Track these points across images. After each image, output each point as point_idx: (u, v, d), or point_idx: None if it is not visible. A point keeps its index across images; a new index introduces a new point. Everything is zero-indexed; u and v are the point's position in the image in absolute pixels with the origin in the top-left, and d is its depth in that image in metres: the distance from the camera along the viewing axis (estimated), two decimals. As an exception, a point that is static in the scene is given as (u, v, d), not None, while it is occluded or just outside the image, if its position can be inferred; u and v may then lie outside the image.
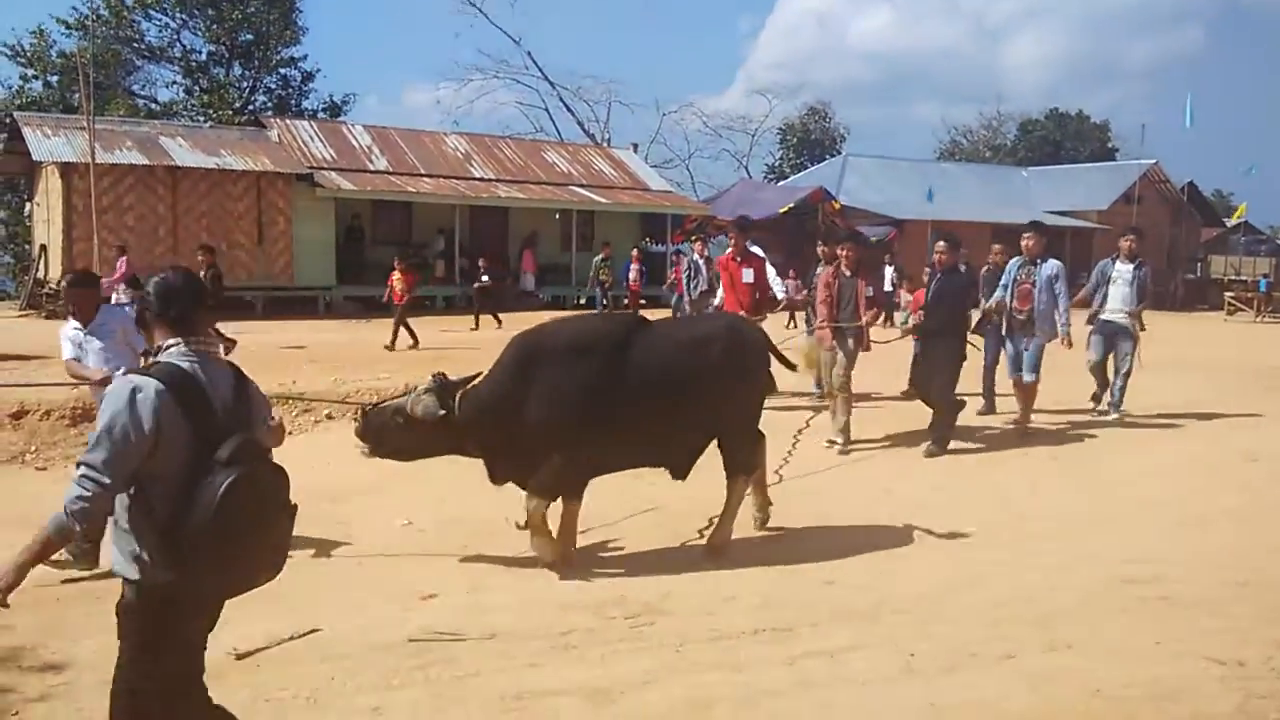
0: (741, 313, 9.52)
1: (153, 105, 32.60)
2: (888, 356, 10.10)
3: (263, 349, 13.17)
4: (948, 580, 5.73)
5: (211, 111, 30.35)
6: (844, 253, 9.09)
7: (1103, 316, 10.01)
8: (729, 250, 10.14)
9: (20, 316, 20.76)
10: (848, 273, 8.97)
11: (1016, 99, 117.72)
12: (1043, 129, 49.42)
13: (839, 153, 41.34)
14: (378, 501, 7.44)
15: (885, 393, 11.12)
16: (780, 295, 11.40)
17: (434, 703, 4.17)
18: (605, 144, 34.32)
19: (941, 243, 9.12)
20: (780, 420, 9.22)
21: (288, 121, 25.92)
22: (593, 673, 4.47)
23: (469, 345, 14.65)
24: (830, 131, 47.26)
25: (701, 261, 13.43)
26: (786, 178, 40.34)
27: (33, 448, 9.11)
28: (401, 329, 15.17)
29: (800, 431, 9.37)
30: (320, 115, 32.89)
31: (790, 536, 6.70)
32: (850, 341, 8.89)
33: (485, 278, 18.99)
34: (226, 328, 11.49)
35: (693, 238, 16.72)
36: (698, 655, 4.67)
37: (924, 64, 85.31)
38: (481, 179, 25.23)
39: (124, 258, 19.67)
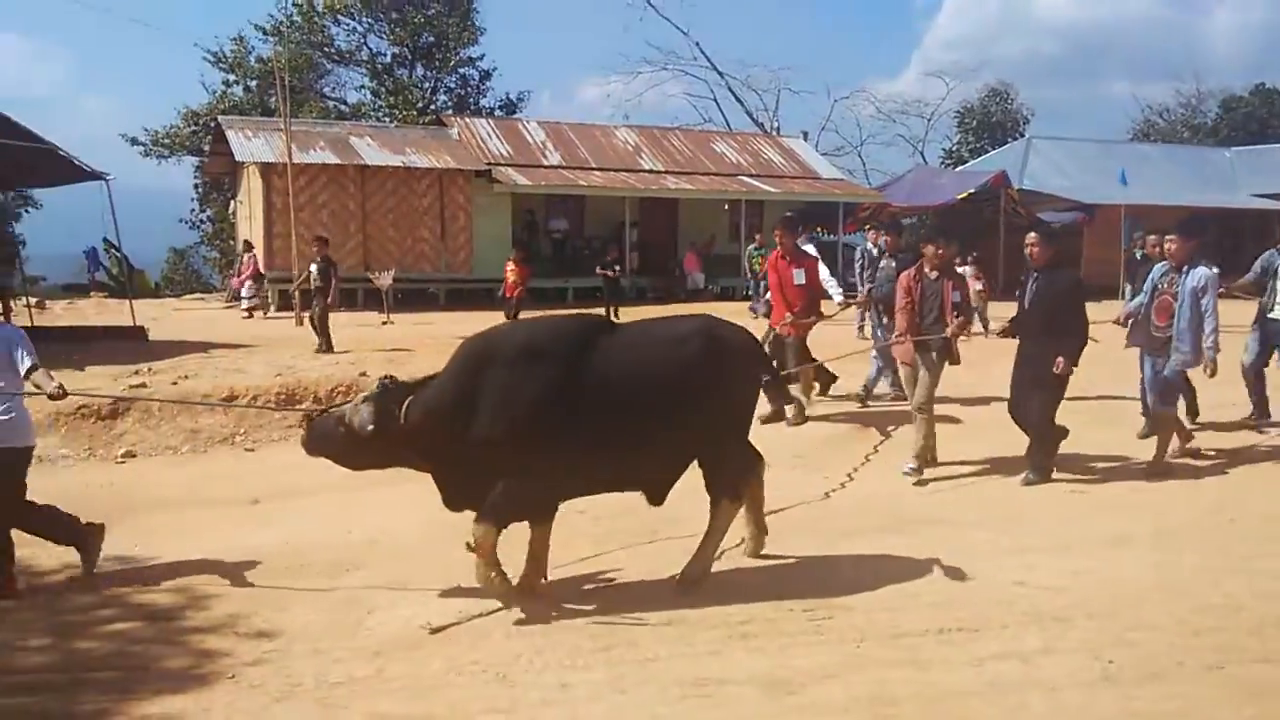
0: (789, 316, 9.50)
1: (342, 107, 34.40)
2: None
3: (442, 338, 13.70)
4: (1146, 584, 5.42)
5: (396, 112, 31.78)
6: (930, 250, 8.06)
7: (1271, 315, 9.03)
8: (776, 249, 9.79)
9: (226, 308, 22.33)
10: (932, 275, 7.99)
11: (1217, 74, 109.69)
12: (1247, 106, 45.87)
13: (1022, 135, 39.57)
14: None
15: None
16: (837, 297, 10.98)
17: (616, 684, 4.26)
18: (774, 133, 33.97)
19: (1033, 235, 7.74)
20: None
21: (467, 120, 26.87)
22: (771, 663, 4.45)
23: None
24: (1012, 113, 45.27)
25: (875, 251, 13.14)
26: (965, 163, 38.95)
27: (242, 430, 9.80)
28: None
29: (877, 446, 9.04)
30: (497, 113, 33.91)
31: (968, 534, 6.49)
32: (934, 354, 7.89)
33: (616, 268, 19.06)
34: (409, 318, 12.00)
35: (866, 227, 16.40)
36: (879, 651, 4.59)
37: (1115, 38, 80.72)
38: (651, 171, 25.48)
39: (252, 253, 20.87)
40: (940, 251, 8.02)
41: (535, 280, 23.06)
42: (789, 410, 8.39)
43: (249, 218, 23.03)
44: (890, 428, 9.47)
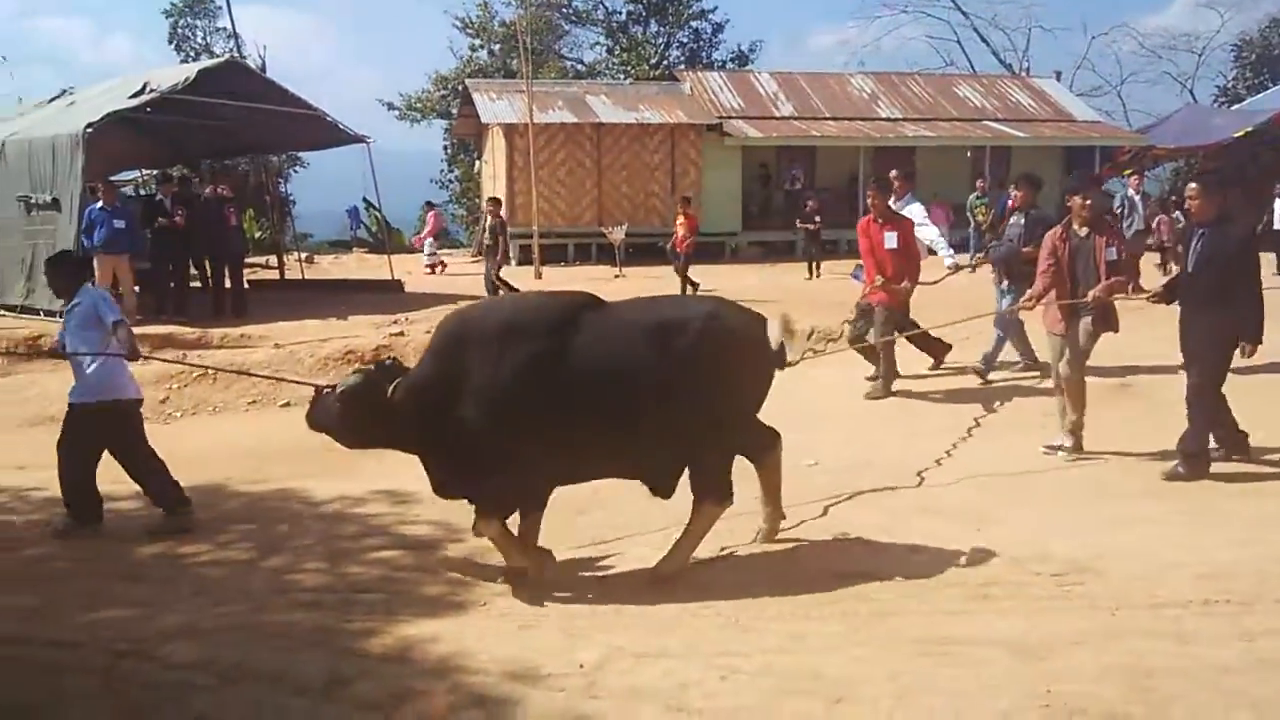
0: (879, 280, 8.77)
1: (579, 66, 35.20)
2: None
3: (670, 292, 13.84)
4: None
5: (630, 69, 32.21)
6: (1078, 202, 7.05)
7: None
8: (868, 214, 9.13)
9: (472, 261, 23.54)
10: (1082, 231, 7.02)
11: None
12: None
13: (1309, 69, 35.37)
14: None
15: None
16: (948, 260, 9.98)
17: (852, 636, 4.21)
18: (1024, 74, 31.97)
19: (1193, 185, 6.65)
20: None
21: (699, 74, 26.88)
22: (1016, 627, 4.26)
23: (796, 295, 14.23)
24: (1297, 45, 40.47)
25: (1137, 198, 12.18)
26: (1241, 100, 35.24)
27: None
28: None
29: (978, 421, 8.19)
30: (729, 65, 33.70)
31: (1240, 505, 5.94)
32: (1089, 321, 6.97)
33: (817, 219, 18.34)
34: (640, 271, 12.12)
35: (1126, 172, 15.18)
36: (1135, 621, 4.29)
37: None
38: (888, 119, 24.63)
39: (434, 212, 21.51)
40: (1087, 203, 7.01)
41: (767, 233, 23.08)
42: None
43: (493, 176, 24.09)
44: (1000, 402, 8.74)
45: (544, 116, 21.68)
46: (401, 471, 7.01)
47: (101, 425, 6.01)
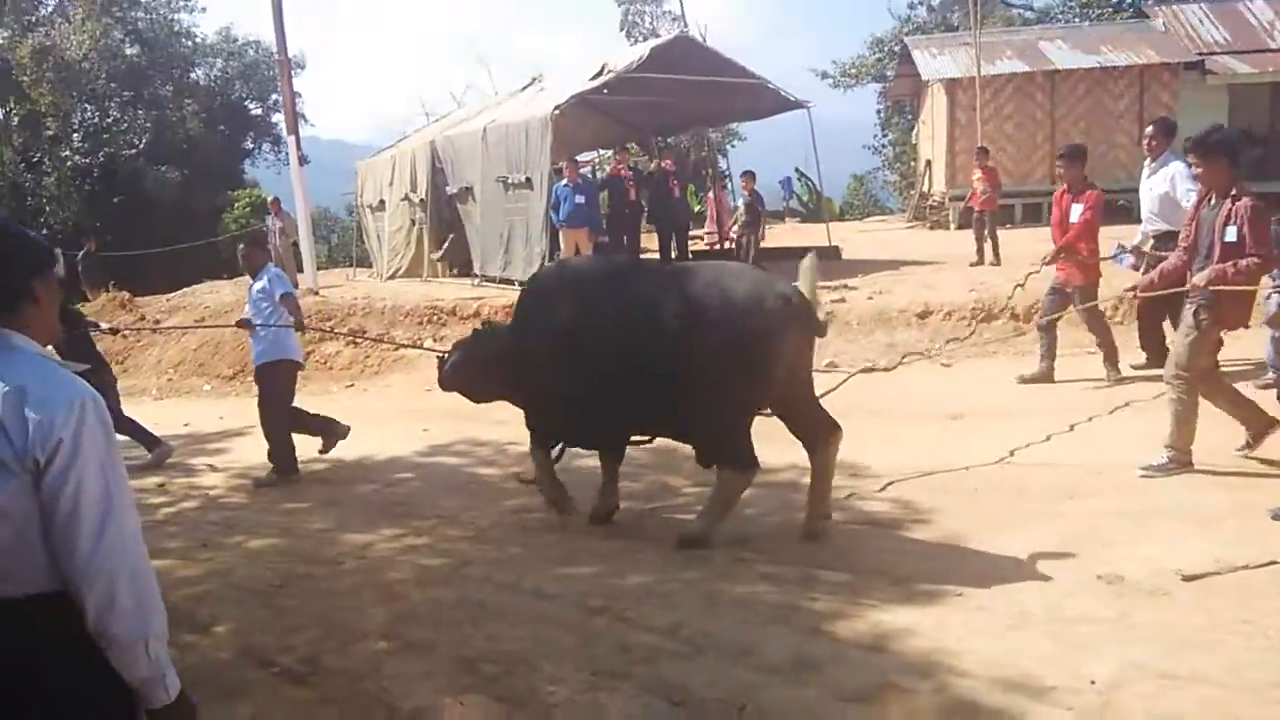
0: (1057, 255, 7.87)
1: (1027, 13, 32.62)
2: None
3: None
4: None
5: (1090, 10, 29.23)
6: (1192, 162, 5.68)
7: None
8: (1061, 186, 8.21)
9: (907, 228, 22.68)
10: (1212, 200, 5.51)
11: None
12: None
13: None
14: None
15: None
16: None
17: None
18: None
19: None
20: None
21: (1174, 7, 23.64)
22: None
23: None
24: None
25: None
26: None
27: (935, 345, 9.69)
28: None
29: None
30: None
31: None
32: (1190, 312, 5.51)
33: None
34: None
35: None
36: None
37: None
38: None
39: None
40: (1199, 165, 5.53)
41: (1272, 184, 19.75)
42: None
43: (930, 138, 22.97)
44: None
45: (991, 68, 20.18)
46: (854, 444, 6.71)
47: (275, 378, 7.26)
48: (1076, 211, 7.91)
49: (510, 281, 13.19)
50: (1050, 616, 3.99)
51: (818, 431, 5.11)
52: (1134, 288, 6.42)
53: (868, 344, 9.96)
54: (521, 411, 5.66)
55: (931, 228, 20.84)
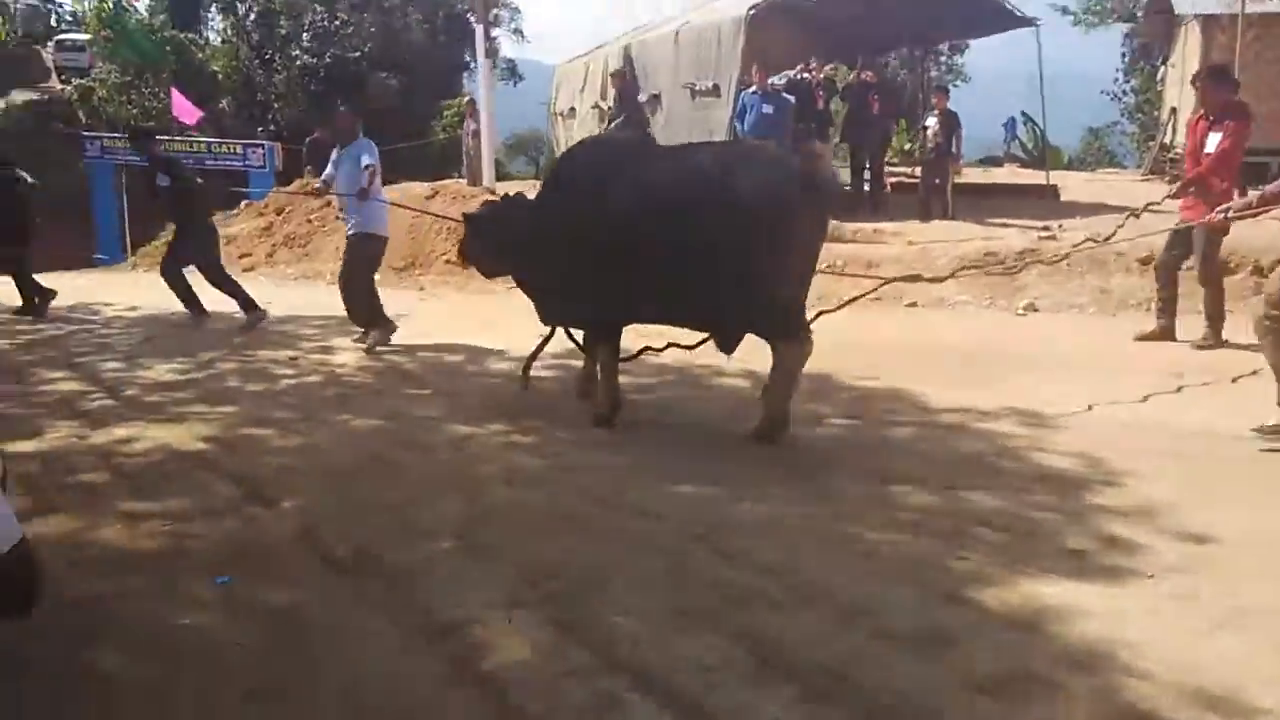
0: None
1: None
2: None
3: None
4: None
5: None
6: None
7: None
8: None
9: (1142, 180, 20.44)
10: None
11: None
12: None
13: None
14: None
15: None
16: None
17: None
18: None
19: None
20: None
21: None
22: None
23: None
24: None
25: None
26: None
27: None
28: None
29: None
30: None
31: None
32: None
33: None
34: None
35: None
36: None
37: None
38: None
39: None
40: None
41: None
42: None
43: (1179, 82, 20.51)
44: None
45: (1259, 5, 17.68)
46: (1033, 390, 5.74)
47: (363, 249, 7.50)
48: (1214, 141, 6.89)
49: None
50: (1264, 609, 3.03)
51: (791, 320, 4.82)
52: (1227, 208, 5.69)
53: (1078, 287, 8.74)
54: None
55: (1170, 181, 18.62)
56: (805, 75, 13.17)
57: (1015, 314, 8.50)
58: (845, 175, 13.67)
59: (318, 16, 31.47)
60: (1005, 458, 4.66)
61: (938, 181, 12.18)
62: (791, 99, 12.80)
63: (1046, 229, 10.40)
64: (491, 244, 5.53)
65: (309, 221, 14.80)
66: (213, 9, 36.23)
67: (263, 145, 23.49)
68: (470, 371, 6.80)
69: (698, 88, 12.57)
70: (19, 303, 9.46)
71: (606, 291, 4.94)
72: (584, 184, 5.03)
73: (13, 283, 9.48)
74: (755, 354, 6.43)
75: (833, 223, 11.28)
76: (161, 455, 4.75)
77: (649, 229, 4.68)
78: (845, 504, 4.03)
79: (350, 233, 7.55)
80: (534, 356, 5.98)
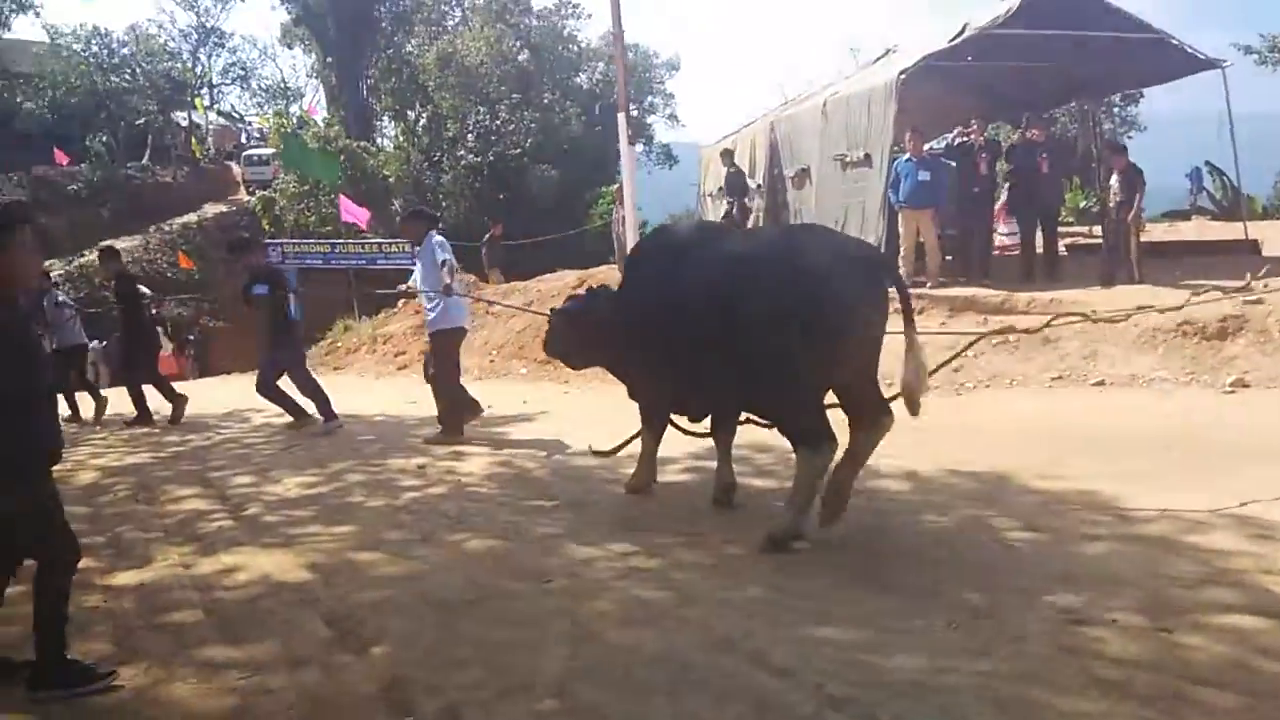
0: None
1: None
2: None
3: None
4: None
5: None
6: None
7: None
8: None
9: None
10: None
11: None
12: None
13: None
14: None
15: None
16: None
17: None
18: None
19: None
20: None
21: None
22: None
23: None
24: None
25: None
26: None
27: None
28: None
29: None
30: None
31: None
32: None
33: None
34: None
35: None
36: None
37: None
38: None
39: None
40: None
41: None
42: None
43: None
44: None
45: None
46: (1253, 489, 4.80)
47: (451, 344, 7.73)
48: None
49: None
50: None
51: (867, 410, 4.59)
52: None
53: (1293, 356, 7.58)
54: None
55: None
56: (965, 138, 12.40)
57: (1221, 391, 7.40)
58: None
59: (481, 117, 32.70)
60: (1229, 585, 3.78)
61: (1123, 242, 11.07)
62: (951, 164, 12.03)
63: (1248, 289, 9.17)
64: (573, 338, 5.69)
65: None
66: (384, 117, 38.31)
67: (431, 243, 24.21)
68: (601, 478, 6.30)
69: (848, 159, 11.95)
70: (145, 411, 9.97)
71: (660, 380, 5.15)
72: (644, 274, 5.20)
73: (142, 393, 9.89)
74: (914, 451, 5.76)
75: (1003, 293, 10.45)
76: (260, 589, 4.42)
77: (669, 318, 4.78)
78: (1027, 655, 3.26)
79: (431, 330, 7.87)
80: (625, 444, 6.30)
